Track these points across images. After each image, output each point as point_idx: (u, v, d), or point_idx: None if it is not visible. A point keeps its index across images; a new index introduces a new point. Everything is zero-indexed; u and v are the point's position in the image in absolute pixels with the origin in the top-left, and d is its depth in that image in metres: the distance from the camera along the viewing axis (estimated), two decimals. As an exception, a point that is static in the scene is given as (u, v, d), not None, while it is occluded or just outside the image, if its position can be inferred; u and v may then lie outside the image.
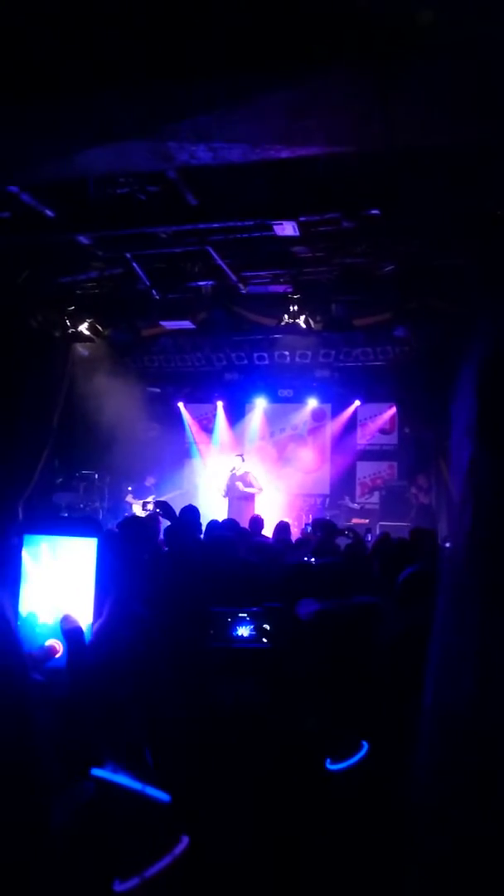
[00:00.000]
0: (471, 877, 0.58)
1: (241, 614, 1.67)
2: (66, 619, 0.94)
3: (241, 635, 1.72)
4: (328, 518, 9.37)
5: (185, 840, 0.97)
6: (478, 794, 0.59)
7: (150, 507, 9.57)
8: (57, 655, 0.93)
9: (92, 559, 0.97)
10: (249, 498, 11.16)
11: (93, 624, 0.94)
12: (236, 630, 1.71)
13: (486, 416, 0.60)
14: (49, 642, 0.94)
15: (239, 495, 11.14)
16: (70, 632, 0.92)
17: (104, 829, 0.91)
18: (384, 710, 1.69)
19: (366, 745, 1.77)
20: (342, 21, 3.41)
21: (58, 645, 0.94)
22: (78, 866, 0.86)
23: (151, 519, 6.46)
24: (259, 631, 1.69)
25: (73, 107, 3.90)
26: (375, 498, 12.17)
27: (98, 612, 0.95)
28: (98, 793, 0.90)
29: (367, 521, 11.18)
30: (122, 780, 0.92)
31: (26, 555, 0.97)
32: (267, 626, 1.67)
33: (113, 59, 3.65)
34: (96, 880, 0.90)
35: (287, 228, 7.09)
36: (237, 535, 5.47)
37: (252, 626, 1.69)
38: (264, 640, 1.68)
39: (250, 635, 1.70)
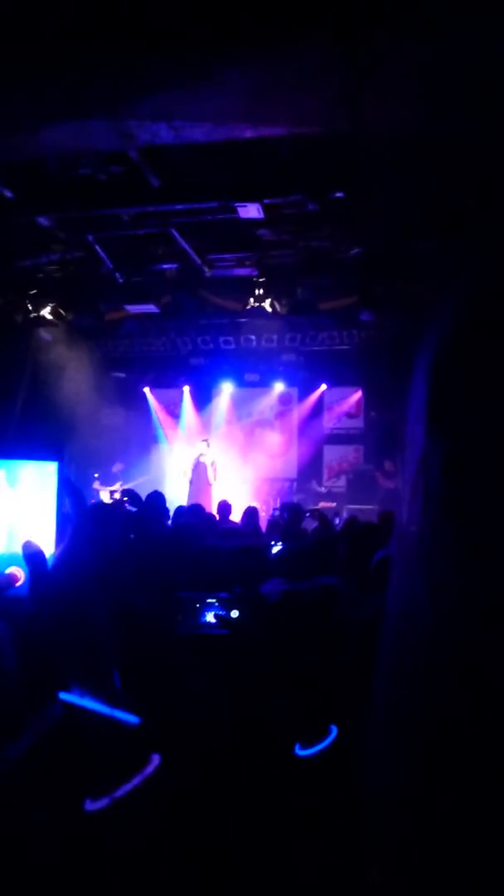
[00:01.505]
0: (430, 857, 0.58)
1: (209, 600, 1.65)
2: (27, 545, 0.91)
3: (210, 621, 1.70)
4: (296, 502, 9.41)
5: (156, 759, 0.97)
6: (427, 778, 0.59)
7: (118, 494, 9.50)
8: (18, 584, 0.92)
9: (52, 484, 0.94)
10: (213, 484, 11.16)
11: (56, 548, 0.92)
12: (205, 616, 1.70)
13: (436, 404, 0.59)
14: (9, 570, 0.92)
15: (203, 481, 11.13)
16: (31, 556, 0.90)
17: (73, 751, 0.90)
18: (352, 694, 1.70)
19: (335, 730, 1.78)
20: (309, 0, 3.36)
21: (19, 572, 0.92)
22: (47, 788, 0.86)
23: (118, 506, 6.41)
24: (227, 616, 1.68)
25: (30, 83, 3.78)
26: (342, 482, 12.26)
27: (60, 535, 0.93)
28: (65, 716, 0.89)
29: (334, 504, 11.26)
30: (90, 703, 0.91)
31: None
32: (236, 612, 1.66)
33: (70, 33, 3.54)
34: (67, 801, 0.90)
35: (251, 211, 7.03)
36: (204, 521, 5.45)
37: (220, 612, 1.68)
38: (232, 625, 1.68)
39: (218, 621, 1.69)
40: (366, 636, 1.82)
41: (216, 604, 1.67)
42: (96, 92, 3.91)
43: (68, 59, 3.70)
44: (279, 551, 3.36)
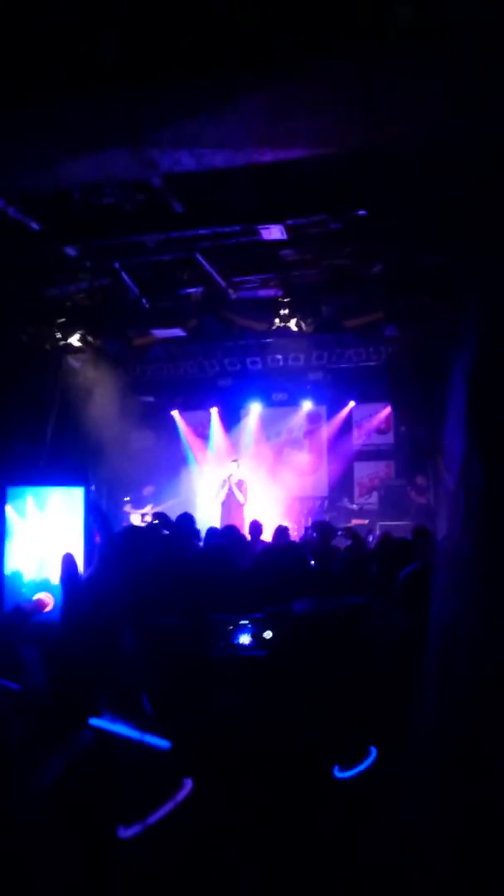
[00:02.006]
0: (473, 873, 0.57)
1: (242, 621, 1.64)
2: (67, 557, 0.91)
3: (244, 643, 1.69)
4: (327, 520, 9.35)
5: (188, 785, 0.95)
6: (478, 789, 0.57)
7: (149, 517, 9.54)
8: (47, 609, 0.92)
9: (80, 509, 0.95)
10: (244, 505, 11.16)
11: (85, 572, 0.92)
12: (238, 638, 1.68)
13: (477, 411, 0.59)
14: (38, 596, 0.92)
15: (234, 502, 11.12)
16: (68, 570, 0.90)
17: (104, 777, 0.90)
18: (389, 714, 1.66)
19: (374, 751, 1.74)
20: (322, 21, 3.41)
21: (47, 598, 0.92)
22: (79, 814, 0.85)
23: (150, 529, 6.44)
24: (261, 637, 1.66)
25: (53, 115, 3.88)
26: (374, 498, 12.15)
27: (89, 560, 0.93)
28: (96, 741, 0.88)
29: (366, 521, 11.16)
30: (121, 728, 0.90)
31: (10, 510, 0.94)
32: (269, 633, 1.64)
33: (92, 66, 3.63)
34: (99, 828, 0.89)
35: (274, 232, 7.09)
36: (235, 542, 5.44)
37: (253, 633, 1.66)
38: (266, 646, 1.66)
39: (252, 642, 1.67)
40: (397, 655, 1.78)
41: (249, 625, 1.65)
42: (118, 122, 3.99)
43: (89, 91, 3.80)
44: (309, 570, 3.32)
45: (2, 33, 3.39)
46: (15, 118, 3.78)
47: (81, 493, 0.98)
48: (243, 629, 1.63)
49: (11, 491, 0.97)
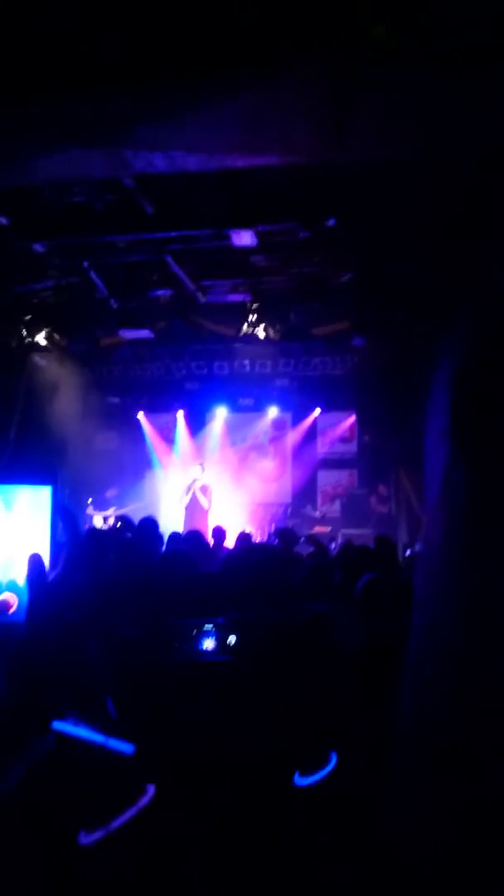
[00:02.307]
0: (458, 882, 0.57)
1: (205, 626, 1.63)
2: (34, 557, 0.90)
3: (206, 648, 1.68)
4: (290, 527, 9.39)
5: (151, 790, 0.95)
6: (459, 800, 0.58)
7: (112, 520, 9.45)
8: (10, 611, 0.90)
9: (46, 509, 0.93)
10: (208, 509, 11.14)
11: (50, 572, 0.90)
12: (201, 643, 1.67)
13: (460, 420, 0.59)
14: (2, 596, 0.91)
15: (198, 506, 11.09)
16: (35, 569, 0.89)
17: (66, 782, 0.88)
18: (352, 721, 1.68)
19: (334, 758, 1.75)
20: (296, 31, 3.44)
21: (12, 599, 0.91)
22: (41, 819, 0.84)
23: (113, 532, 6.37)
24: (223, 643, 1.66)
25: (27, 112, 3.84)
26: (337, 506, 12.25)
27: (55, 561, 0.92)
28: (59, 745, 0.87)
29: (328, 529, 11.23)
30: (84, 732, 0.89)
31: None
32: (232, 638, 1.64)
33: (67, 64, 3.61)
34: (61, 833, 0.87)
35: (245, 238, 7.11)
36: (198, 547, 5.42)
37: (216, 638, 1.65)
38: (228, 652, 1.65)
39: (214, 647, 1.66)
40: (358, 662, 1.80)
41: (211, 630, 1.65)
42: (92, 121, 3.97)
43: (63, 89, 3.76)
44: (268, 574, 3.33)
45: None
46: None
47: (49, 493, 0.97)
48: (206, 634, 1.63)
49: None
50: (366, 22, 3.42)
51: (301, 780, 1.73)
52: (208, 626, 1.62)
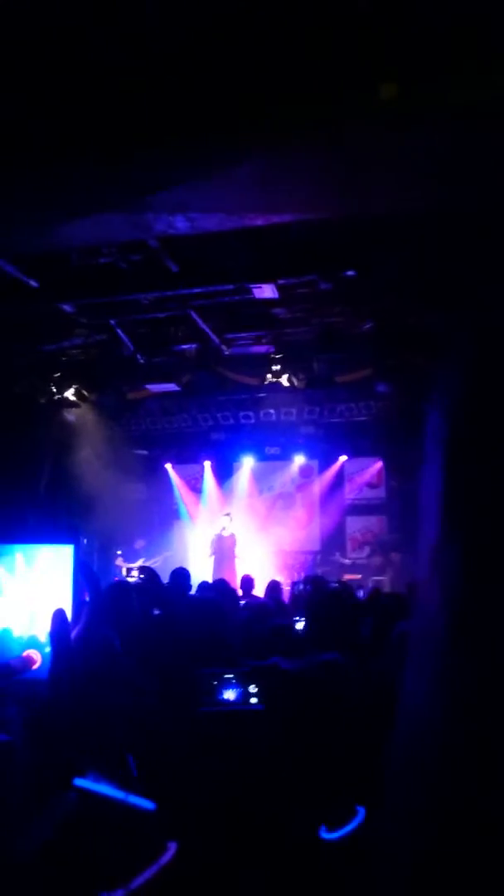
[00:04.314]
0: None
1: (227, 676, 1.64)
2: (58, 613, 0.92)
3: (228, 698, 1.68)
4: (319, 574, 9.28)
5: (172, 847, 0.94)
6: (442, 867, 0.58)
7: (135, 572, 9.46)
8: (35, 666, 0.92)
9: (69, 566, 0.96)
10: (236, 558, 11.10)
11: (73, 629, 0.92)
12: (223, 693, 1.68)
13: (454, 484, 0.59)
14: (26, 653, 0.93)
15: (227, 556, 11.06)
16: (58, 626, 0.91)
17: (87, 840, 0.88)
18: (374, 773, 1.65)
19: (362, 812, 1.71)
20: (308, 94, 3.60)
21: (35, 655, 0.93)
22: (61, 878, 0.83)
23: (137, 584, 6.37)
24: (246, 692, 1.66)
25: (51, 182, 4.04)
26: (366, 553, 12.10)
27: (77, 617, 0.94)
28: (80, 802, 0.87)
29: (359, 576, 11.08)
30: (105, 789, 0.89)
31: (12, 567, 0.96)
32: (254, 687, 1.64)
33: (88, 133, 3.81)
34: (81, 892, 0.87)
35: (266, 291, 7.28)
36: (227, 596, 5.39)
37: (239, 688, 1.65)
38: (252, 701, 1.65)
39: (237, 698, 1.66)
40: (374, 714, 1.78)
41: (234, 680, 1.65)
42: (114, 187, 4.16)
43: (87, 158, 3.96)
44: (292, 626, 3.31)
45: (3, 110, 3.57)
46: (13, 182, 3.94)
47: (71, 551, 1.00)
48: (228, 684, 1.63)
49: (1, 548, 0.99)
50: (375, 81, 3.57)
51: (328, 835, 1.70)
52: (230, 676, 1.63)
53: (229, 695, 1.71)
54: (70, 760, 0.91)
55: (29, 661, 0.96)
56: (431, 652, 0.63)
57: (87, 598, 0.98)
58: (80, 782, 0.89)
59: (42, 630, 0.97)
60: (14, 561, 0.99)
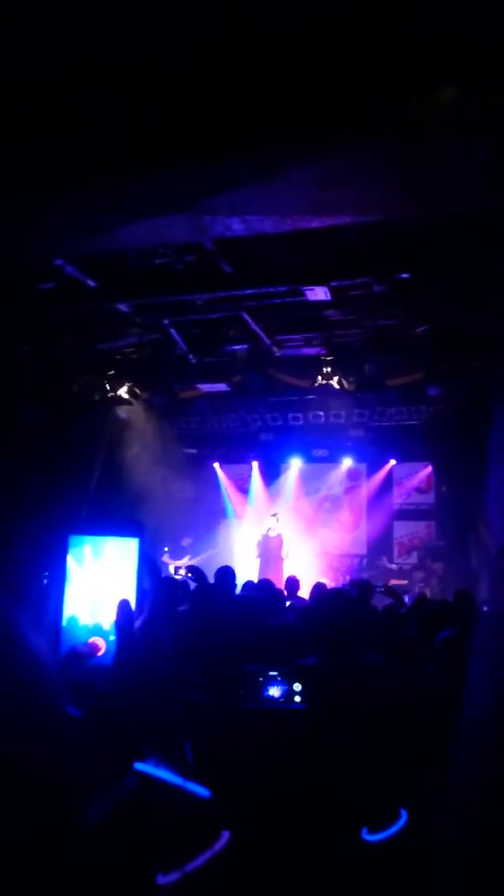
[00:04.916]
0: None
1: (271, 673, 1.67)
2: (123, 604, 0.96)
3: (273, 695, 1.72)
4: (365, 578, 9.23)
5: (226, 836, 0.97)
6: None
7: (182, 571, 9.58)
8: (100, 653, 0.97)
9: (133, 559, 1.00)
10: (282, 559, 11.11)
11: (136, 619, 0.97)
12: (268, 690, 1.71)
13: None
14: (92, 640, 0.97)
15: (273, 556, 11.09)
16: (123, 615, 0.96)
17: (145, 822, 0.92)
18: (419, 778, 1.66)
19: (405, 814, 1.71)
20: (367, 97, 3.60)
21: (100, 643, 0.97)
22: (121, 859, 0.88)
23: (184, 582, 6.47)
24: (290, 690, 1.68)
25: (117, 187, 4.15)
26: (413, 558, 11.97)
27: (140, 608, 0.98)
28: (140, 787, 0.91)
29: (405, 581, 10.97)
30: (164, 774, 0.93)
31: (70, 557, 1.00)
32: (298, 686, 1.67)
33: (148, 137, 3.89)
34: (138, 872, 0.91)
35: (319, 293, 7.28)
36: (271, 597, 5.42)
37: (284, 686, 1.68)
38: (296, 699, 1.68)
39: (282, 695, 1.69)
40: (434, 715, 1.78)
41: (278, 678, 1.68)
42: (173, 191, 4.24)
43: (149, 162, 4.06)
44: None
45: (72, 118, 3.68)
46: (81, 191, 4.06)
47: (137, 544, 1.05)
48: (273, 682, 1.66)
49: (73, 539, 1.04)
50: (435, 85, 3.55)
51: (370, 836, 1.71)
52: (274, 673, 1.66)
53: (274, 692, 1.74)
54: (132, 745, 0.96)
55: (95, 647, 1.01)
56: (497, 652, 0.64)
57: (149, 590, 1.03)
58: (140, 766, 0.94)
59: (106, 619, 1.02)
60: (83, 552, 1.04)
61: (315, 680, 1.69)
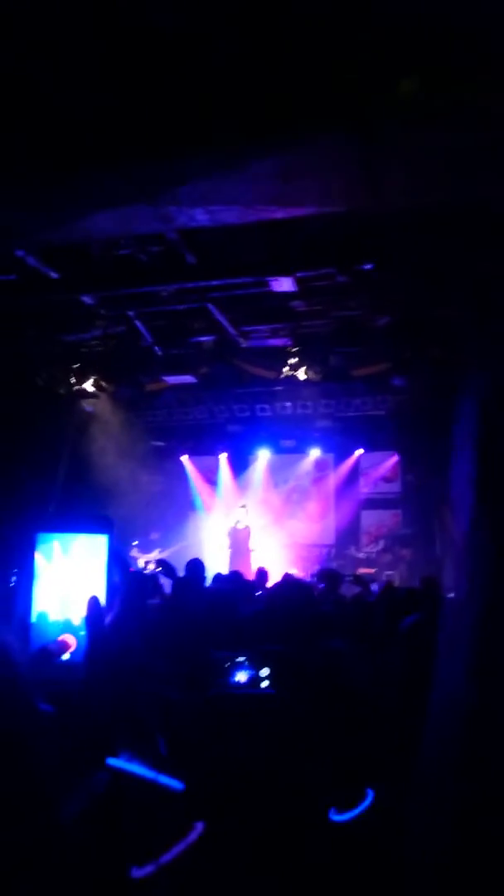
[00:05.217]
0: None
1: (239, 659, 1.69)
2: (93, 601, 0.97)
3: (240, 681, 1.74)
4: (334, 568, 9.32)
5: (199, 827, 0.99)
6: (470, 842, 0.61)
7: (152, 565, 9.55)
8: (70, 650, 0.97)
9: (102, 555, 1.00)
10: (251, 551, 11.16)
11: (105, 615, 0.97)
12: (235, 676, 1.73)
13: (486, 471, 0.62)
14: (62, 637, 0.97)
15: (242, 548, 11.13)
16: (94, 613, 0.96)
17: (121, 816, 0.93)
18: (384, 758, 1.69)
19: (371, 794, 1.75)
20: (325, 93, 3.62)
21: (70, 640, 0.97)
22: (95, 854, 0.88)
23: (153, 576, 6.45)
24: (257, 676, 1.71)
25: (79, 178, 4.10)
26: (380, 546, 12.11)
27: (110, 605, 0.98)
28: (113, 782, 0.92)
29: (373, 570, 11.10)
30: (137, 768, 0.94)
31: (38, 554, 1.00)
32: (265, 671, 1.69)
33: (116, 133, 3.86)
34: (114, 867, 0.92)
35: (284, 284, 7.30)
36: (241, 588, 5.45)
37: (250, 671, 1.71)
38: (263, 684, 1.70)
39: (248, 680, 1.72)
40: (385, 701, 1.82)
41: (245, 663, 1.70)
42: (139, 182, 4.21)
43: (112, 154, 4.02)
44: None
45: (37, 110, 3.62)
46: (42, 181, 4.00)
47: (106, 540, 1.05)
48: (240, 667, 1.68)
49: (41, 536, 1.04)
50: (394, 79, 3.58)
51: (337, 816, 1.75)
52: (241, 660, 1.68)
53: (241, 677, 1.76)
54: (104, 741, 0.96)
55: (64, 645, 1.01)
56: (463, 637, 0.66)
57: (119, 586, 1.03)
58: (112, 761, 0.94)
59: (76, 615, 1.02)
60: (52, 548, 1.04)
61: (282, 665, 1.71)
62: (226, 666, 1.68)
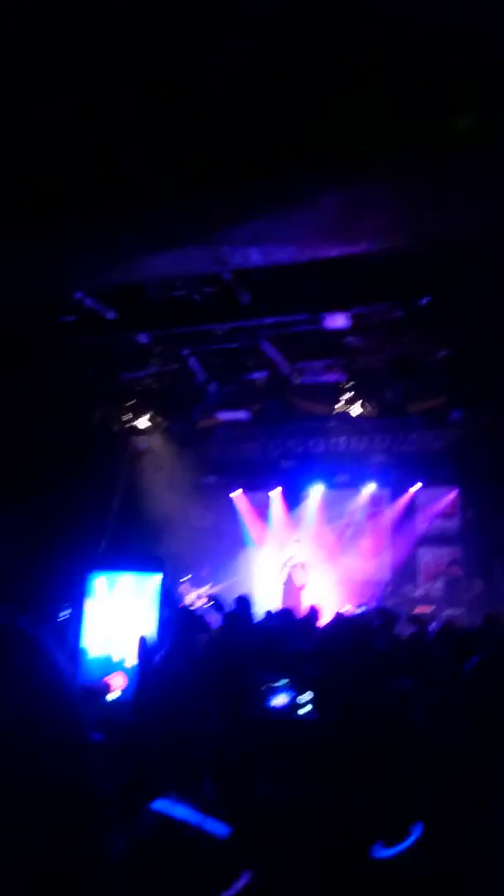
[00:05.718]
0: None
1: (278, 683, 1.63)
2: (143, 641, 0.95)
3: (280, 704, 1.68)
4: (388, 607, 9.08)
5: (246, 875, 0.93)
6: None
7: (203, 599, 9.51)
8: (116, 690, 0.95)
9: (153, 593, 0.98)
10: (304, 587, 11.00)
11: (156, 654, 0.95)
12: (274, 698, 1.67)
13: None
14: (107, 678, 0.96)
15: (294, 584, 10.99)
16: (143, 652, 0.94)
17: (162, 862, 0.89)
18: (439, 795, 1.60)
19: (418, 830, 1.65)
20: (389, 126, 3.63)
21: (117, 680, 0.95)
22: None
23: (204, 612, 6.42)
24: (298, 702, 1.65)
25: (135, 218, 4.21)
26: (439, 584, 11.76)
27: (161, 643, 0.96)
28: (158, 826, 0.88)
29: (432, 608, 10.76)
30: (182, 812, 0.90)
31: (93, 591, 0.99)
32: (306, 698, 1.63)
33: (170, 170, 3.96)
34: None
35: (338, 320, 7.30)
36: (292, 626, 5.35)
37: (292, 698, 1.65)
38: (303, 711, 1.64)
39: (288, 705, 1.66)
40: (459, 743, 1.72)
41: (287, 687, 1.64)
42: (194, 224, 4.30)
43: (168, 194, 4.12)
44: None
45: (94, 151, 3.76)
46: (103, 222, 4.12)
47: (159, 580, 1.03)
48: (281, 690, 1.62)
49: (94, 575, 1.03)
50: (453, 110, 3.56)
51: (381, 853, 1.64)
52: (283, 682, 1.62)
53: (281, 700, 1.70)
54: (151, 781, 0.93)
55: (108, 686, 0.99)
56: None
57: (171, 626, 1.01)
58: (158, 805, 0.91)
59: (126, 651, 1.00)
60: (103, 586, 1.03)
61: (335, 700, 1.65)
62: (265, 688, 1.63)
